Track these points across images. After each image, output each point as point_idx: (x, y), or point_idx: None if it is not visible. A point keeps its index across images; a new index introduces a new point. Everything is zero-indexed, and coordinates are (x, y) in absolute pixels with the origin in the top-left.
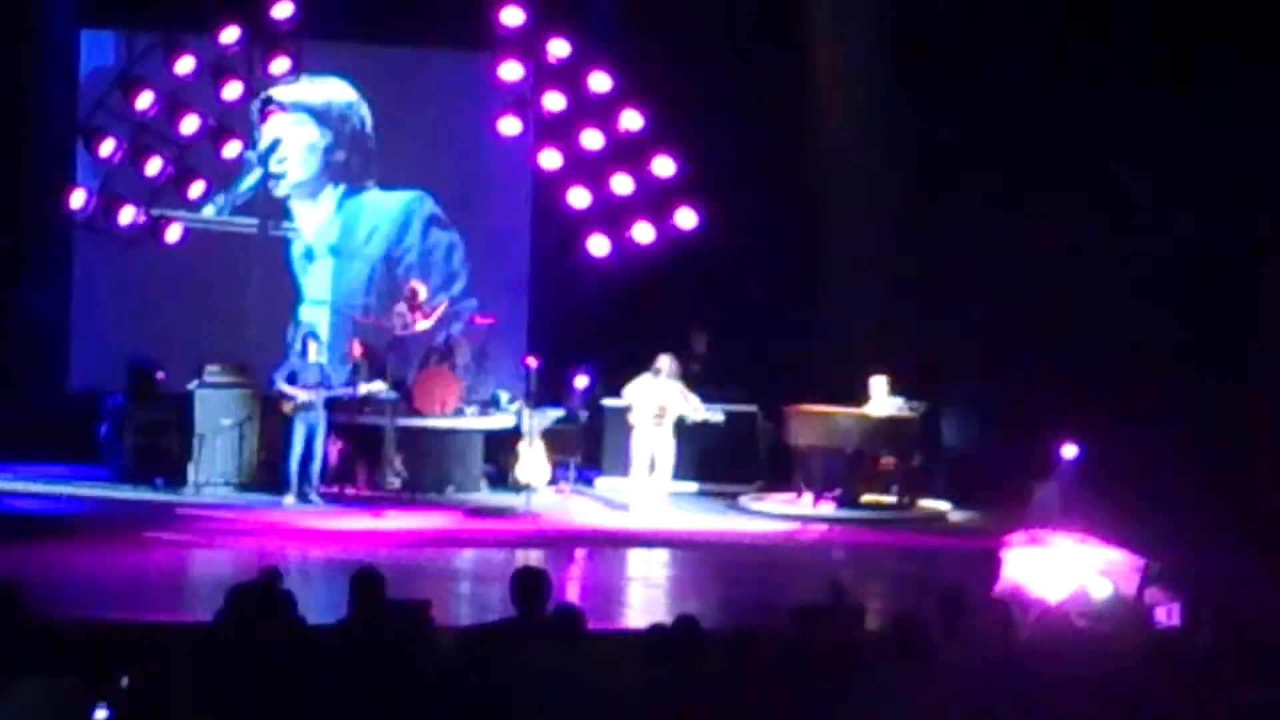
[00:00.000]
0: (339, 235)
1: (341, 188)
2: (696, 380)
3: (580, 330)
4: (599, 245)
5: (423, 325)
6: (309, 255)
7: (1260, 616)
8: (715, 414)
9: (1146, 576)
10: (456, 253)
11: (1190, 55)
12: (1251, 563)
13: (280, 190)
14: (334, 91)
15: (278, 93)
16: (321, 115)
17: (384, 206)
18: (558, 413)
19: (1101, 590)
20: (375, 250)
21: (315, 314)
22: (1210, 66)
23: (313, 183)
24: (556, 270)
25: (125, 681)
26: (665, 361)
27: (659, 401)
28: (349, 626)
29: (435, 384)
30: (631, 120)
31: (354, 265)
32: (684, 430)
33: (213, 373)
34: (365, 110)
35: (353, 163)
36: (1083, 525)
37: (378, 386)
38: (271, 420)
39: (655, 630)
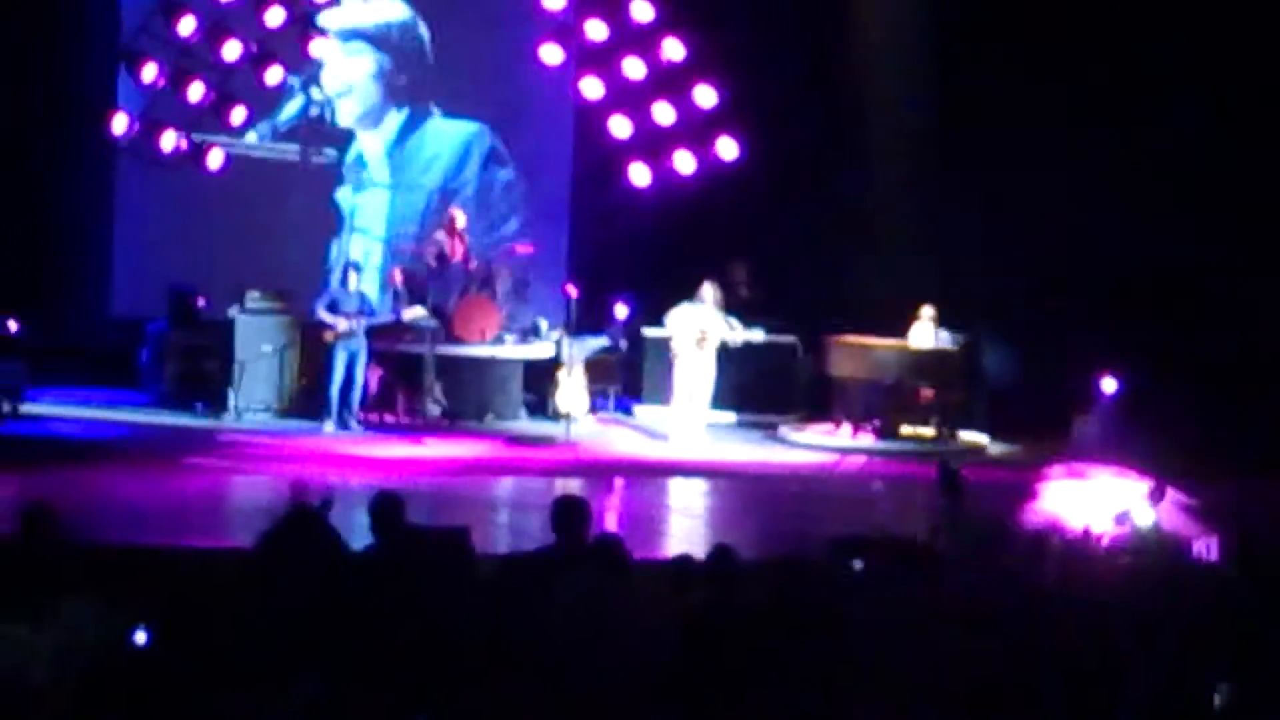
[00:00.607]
0: (399, 164)
1: (405, 111)
2: (737, 310)
3: (620, 260)
4: (640, 175)
5: (470, 264)
6: (362, 183)
7: None
8: (756, 333)
9: (1191, 513)
10: (514, 190)
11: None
12: None
13: (342, 120)
14: (389, 11)
15: (326, 18)
16: (378, 39)
17: (445, 135)
18: (598, 341)
19: (1145, 518)
20: (432, 181)
21: (364, 243)
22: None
23: (376, 111)
24: (597, 199)
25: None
26: (708, 289)
27: (700, 326)
28: (374, 553)
29: (475, 312)
30: (673, 50)
31: (410, 196)
32: (724, 360)
33: (253, 299)
34: (423, 28)
35: (414, 84)
36: (1122, 459)
37: (418, 313)
38: (312, 347)
39: (688, 560)
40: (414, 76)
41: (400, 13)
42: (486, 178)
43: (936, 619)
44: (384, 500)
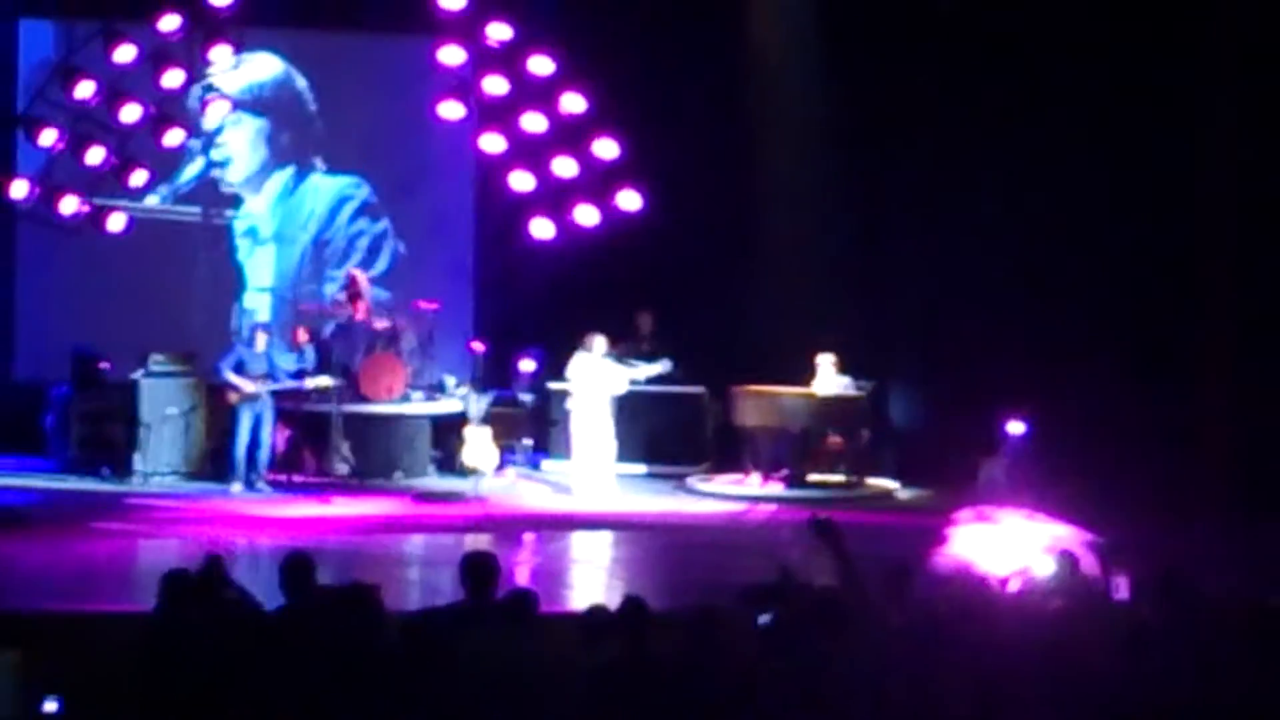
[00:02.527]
0: (281, 220)
1: (290, 169)
2: (643, 361)
3: (525, 314)
4: (542, 228)
5: (372, 322)
6: (254, 241)
7: (1203, 587)
8: (663, 364)
9: (1103, 554)
10: (384, 244)
11: (1142, 31)
12: (1194, 535)
13: (230, 183)
14: (261, 71)
15: (218, 80)
16: (255, 104)
17: (322, 190)
18: (503, 397)
19: (1046, 568)
20: (308, 234)
21: (257, 300)
22: (1167, 45)
23: (260, 172)
24: (500, 254)
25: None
26: (597, 340)
27: (602, 377)
28: (285, 613)
29: (381, 370)
30: (573, 103)
31: (292, 250)
32: (632, 411)
33: (158, 362)
34: (300, 81)
35: (297, 141)
36: (1030, 501)
37: (324, 382)
38: (218, 409)
39: (599, 612)
40: (296, 133)
41: (272, 69)
42: (353, 230)
43: (847, 669)
44: (295, 560)
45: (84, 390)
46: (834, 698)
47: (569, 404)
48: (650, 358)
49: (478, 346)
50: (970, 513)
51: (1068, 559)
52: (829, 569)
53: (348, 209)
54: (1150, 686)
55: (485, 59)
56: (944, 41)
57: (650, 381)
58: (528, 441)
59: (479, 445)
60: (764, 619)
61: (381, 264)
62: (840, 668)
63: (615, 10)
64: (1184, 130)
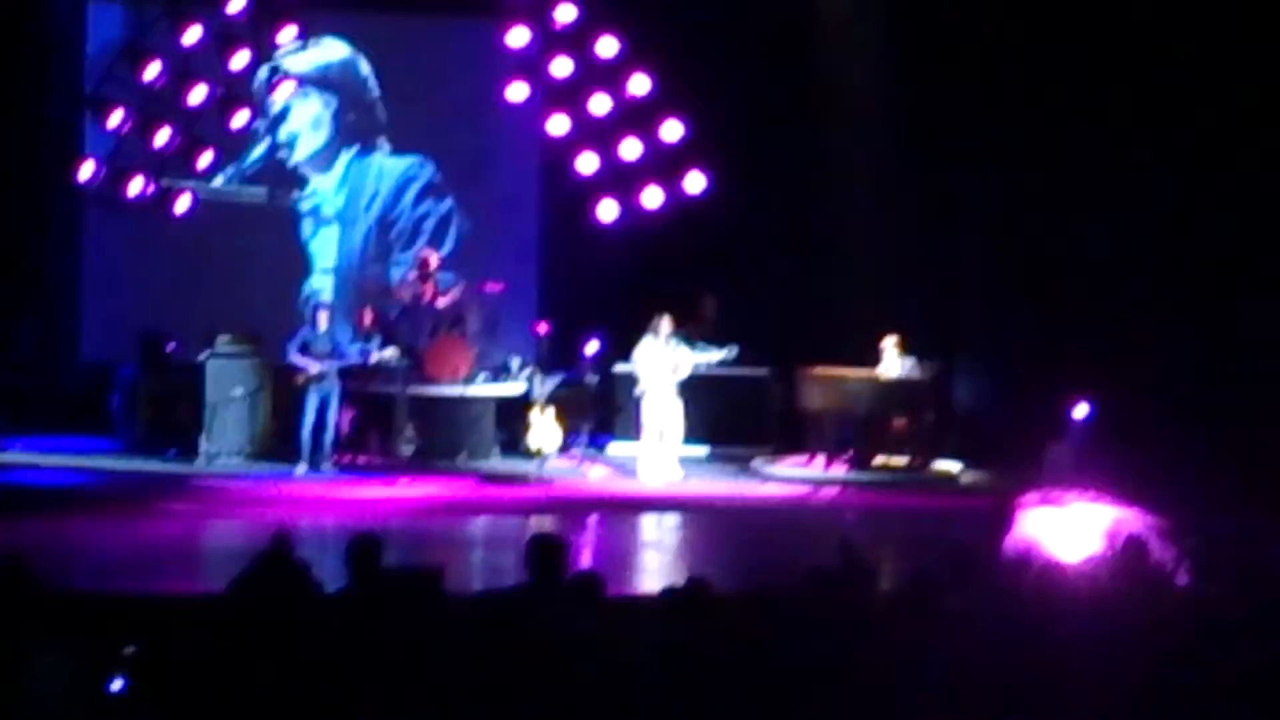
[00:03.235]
0: (345, 201)
1: (354, 149)
2: (707, 343)
3: (590, 296)
4: (608, 210)
5: (440, 301)
6: (318, 222)
7: (1268, 574)
8: (730, 349)
9: (1168, 538)
10: (449, 225)
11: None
12: (1261, 521)
13: (295, 161)
14: (329, 53)
15: (285, 61)
16: (322, 82)
17: (387, 170)
18: (568, 378)
19: (1110, 552)
20: (373, 215)
21: (322, 281)
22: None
23: (326, 152)
24: (566, 236)
25: (132, 650)
26: (664, 321)
27: (670, 360)
28: (349, 594)
29: (447, 351)
30: (639, 84)
31: (355, 230)
32: (696, 393)
33: (224, 343)
34: (365, 65)
35: (362, 121)
36: (1095, 485)
37: (390, 355)
38: (283, 390)
39: (667, 593)
40: (361, 114)
41: (339, 52)
42: (419, 211)
43: (918, 655)
44: (362, 542)
45: (150, 371)
46: (903, 684)
47: (638, 387)
48: (714, 340)
49: (542, 328)
50: (1035, 496)
51: (1134, 542)
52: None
53: (412, 189)
54: (1213, 671)
55: (551, 41)
56: (1016, 33)
57: (714, 365)
58: (590, 425)
59: (544, 427)
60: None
61: (448, 245)
62: (910, 653)
63: None
64: (1255, 127)
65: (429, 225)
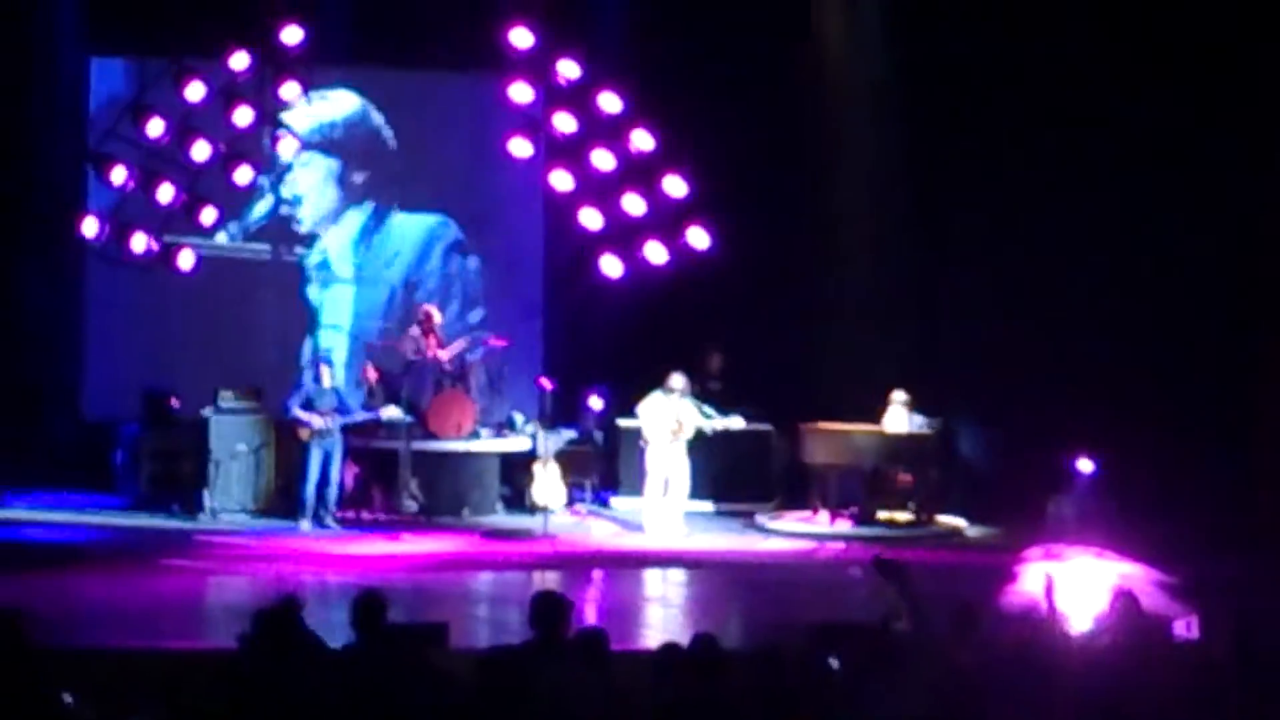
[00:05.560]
0: (362, 259)
1: (368, 207)
2: (712, 399)
3: (594, 351)
4: (612, 266)
5: (442, 354)
6: (327, 279)
7: (1268, 626)
8: (734, 420)
9: (1173, 593)
10: (478, 280)
11: (1202, 53)
12: (1267, 574)
13: (302, 225)
14: (336, 108)
15: (289, 117)
16: (325, 145)
17: (407, 230)
18: (572, 434)
19: (1104, 607)
20: (395, 275)
21: (333, 339)
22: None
23: (333, 212)
24: (570, 291)
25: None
26: (677, 378)
27: (675, 416)
28: (354, 651)
29: (450, 407)
30: (642, 140)
31: (374, 290)
32: (700, 448)
33: (227, 399)
34: (377, 117)
35: (374, 180)
36: (1099, 540)
37: (394, 412)
38: (287, 446)
39: (672, 649)
40: (373, 172)
41: (347, 105)
42: (449, 270)
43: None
44: (367, 599)
45: (154, 427)
46: None
47: (645, 439)
48: (719, 397)
49: (546, 384)
50: (1039, 551)
51: (1126, 597)
52: (895, 608)
53: (438, 248)
54: None
55: (554, 96)
56: (1013, 82)
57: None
58: (594, 480)
59: (548, 482)
60: (834, 663)
61: (479, 304)
62: (905, 707)
63: (684, 48)
64: (1256, 174)
65: (458, 284)
